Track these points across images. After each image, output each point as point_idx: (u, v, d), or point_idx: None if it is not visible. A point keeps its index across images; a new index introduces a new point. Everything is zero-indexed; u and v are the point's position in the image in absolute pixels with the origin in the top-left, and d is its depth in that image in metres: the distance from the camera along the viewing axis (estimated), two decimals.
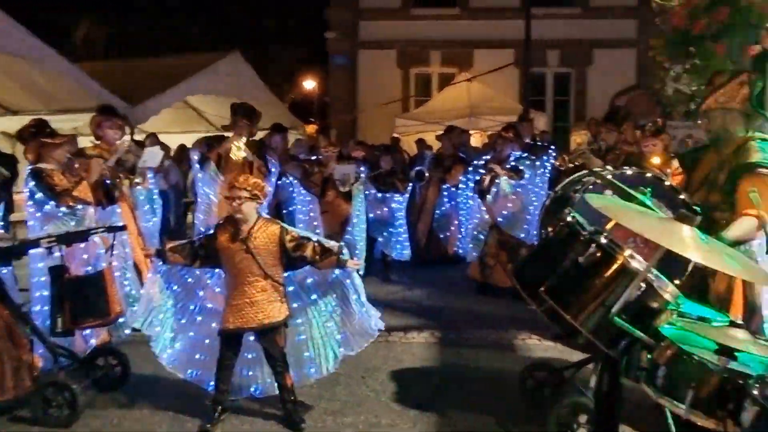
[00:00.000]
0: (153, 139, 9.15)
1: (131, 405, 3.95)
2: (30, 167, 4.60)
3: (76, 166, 4.97)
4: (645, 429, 3.50)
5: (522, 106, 12.40)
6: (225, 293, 3.75)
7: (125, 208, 5.36)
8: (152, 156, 5.47)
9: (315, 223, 6.59)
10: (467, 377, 4.50)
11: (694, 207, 3.30)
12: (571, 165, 5.31)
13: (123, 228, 4.69)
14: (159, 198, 6.03)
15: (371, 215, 7.39)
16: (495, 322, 5.77)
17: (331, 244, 3.69)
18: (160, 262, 3.76)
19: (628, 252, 1.96)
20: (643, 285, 1.89)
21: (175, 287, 3.84)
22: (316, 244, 3.66)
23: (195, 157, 6.10)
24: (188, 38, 18.39)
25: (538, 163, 6.42)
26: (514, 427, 3.67)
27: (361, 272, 6.59)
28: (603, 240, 1.98)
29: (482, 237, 6.72)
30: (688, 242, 1.75)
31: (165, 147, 9.61)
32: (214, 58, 9.91)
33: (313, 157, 7.32)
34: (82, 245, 4.45)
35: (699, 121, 3.94)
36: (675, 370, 1.80)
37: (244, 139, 5.88)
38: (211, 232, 3.76)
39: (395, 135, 13.05)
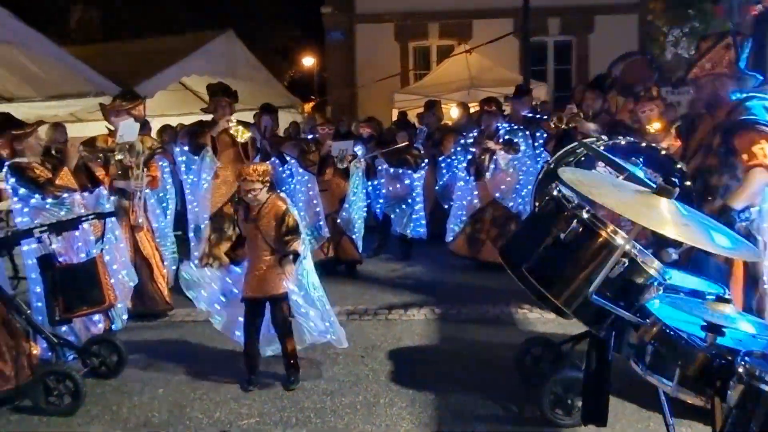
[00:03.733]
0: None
1: (129, 392, 3.96)
2: (7, 163, 4.51)
3: (54, 152, 4.89)
4: (640, 402, 3.48)
5: (522, 76, 12.19)
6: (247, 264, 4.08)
7: (135, 202, 5.30)
8: (128, 129, 5.18)
9: (314, 202, 6.54)
10: (467, 354, 4.48)
11: (689, 176, 3.23)
12: (563, 126, 5.19)
13: (113, 214, 4.65)
14: (173, 196, 5.99)
15: (384, 191, 7.44)
16: (496, 297, 5.73)
17: (295, 246, 3.89)
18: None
19: (611, 227, 1.90)
20: (626, 261, 1.83)
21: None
22: (297, 237, 3.90)
23: (177, 148, 6.03)
24: (180, 18, 18.14)
25: (530, 133, 6.37)
26: (512, 404, 3.65)
27: (360, 251, 6.66)
28: (585, 215, 1.92)
29: (466, 219, 6.70)
30: (665, 217, 1.67)
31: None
32: (207, 37, 9.75)
33: (310, 136, 7.22)
34: (77, 233, 4.42)
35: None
36: (661, 348, 1.75)
37: (234, 119, 5.81)
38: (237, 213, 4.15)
39: (396, 110, 12.91)
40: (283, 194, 4.16)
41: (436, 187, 8.44)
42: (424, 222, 7.52)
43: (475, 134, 6.90)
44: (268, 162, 7.04)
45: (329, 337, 4.13)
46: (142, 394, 3.92)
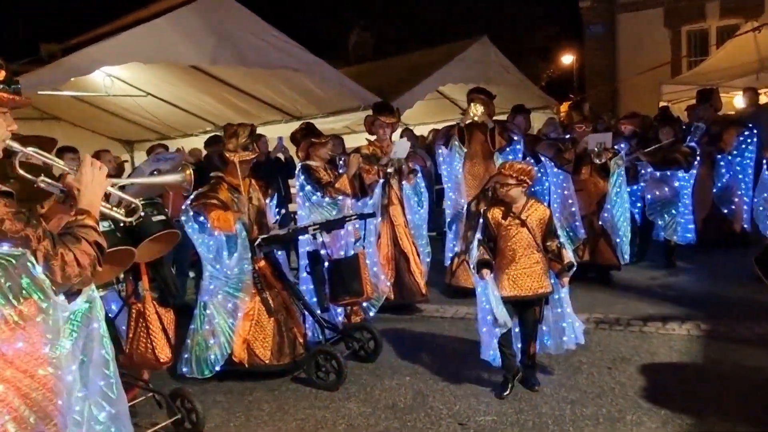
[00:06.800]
0: (408, 132, 9.78)
1: (381, 376, 4.36)
2: (301, 163, 5.37)
3: (341, 162, 5.63)
4: None
5: None
6: (499, 265, 3.98)
7: (395, 200, 5.82)
8: (401, 147, 5.74)
9: (570, 201, 6.32)
10: (737, 379, 3.90)
11: None
12: None
13: (372, 215, 5.16)
14: (425, 191, 6.44)
15: (649, 196, 6.91)
16: None
17: (569, 256, 3.94)
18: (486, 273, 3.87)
19: None
20: None
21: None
22: (558, 244, 3.94)
23: (440, 147, 6.36)
24: (441, 30, 19.16)
25: None
26: None
27: (626, 259, 6.19)
28: None
29: None
30: None
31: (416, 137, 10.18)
32: (462, 46, 10.12)
33: (566, 136, 6.99)
34: (342, 231, 5.05)
35: None
36: None
37: (479, 106, 5.92)
38: (481, 217, 4.11)
39: (663, 103, 11.75)
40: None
41: (714, 189, 7.45)
42: (692, 226, 6.75)
43: None
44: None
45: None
46: (391, 379, 4.29)
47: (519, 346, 4.07)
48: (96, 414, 2.14)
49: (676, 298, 5.71)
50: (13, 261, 1.70)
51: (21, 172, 2.10)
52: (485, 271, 3.83)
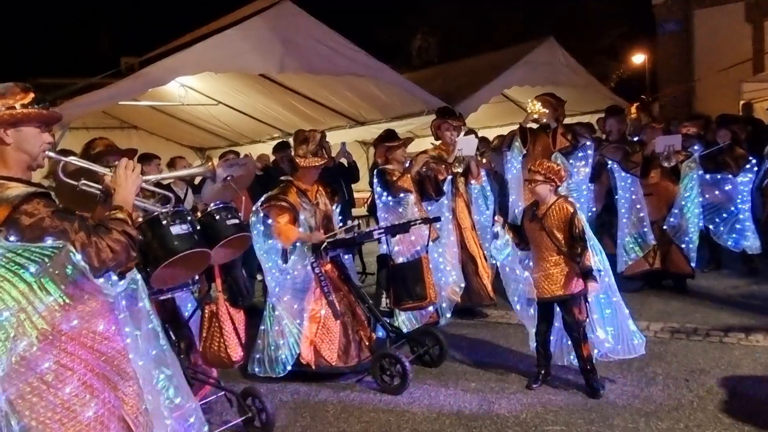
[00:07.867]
0: (472, 133, 9.67)
1: (445, 382, 4.32)
2: (377, 168, 5.44)
3: (407, 165, 5.65)
4: None
5: None
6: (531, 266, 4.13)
7: (461, 203, 5.80)
8: (467, 144, 5.66)
9: (638, 206, 6.10)
10: None
11: None
12: None
13: (438, 219, 5.13)
14: (492, 193, 6.38)
15: (700, 199, 6.52)
16: None
17: (589, 262, 3.83)
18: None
19: None
20: None
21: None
22: (582, 247, 3.82)
23: (506, 150, 6.28)
24: (507, 32, 18.88)
25: None
26: None
27: (693, 264, 5.93)
28: None
29: None
30: None
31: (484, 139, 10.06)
32: (528, 48, 9.93)
33: (635, 138, 6.76)
34: (413, 237, 5.05)
35: None
36: None
37: (538, 103, 5.82)
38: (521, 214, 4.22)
39: (743, 101, 11.13)
40: (571, 199, 4.11)
41: None
42: (750, 233, 6.27)
43: None
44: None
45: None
46: (456, 385, 4.24)
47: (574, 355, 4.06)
48: (155, 376, 2.46)
49: (760, 308, 5.38)
50: (57, 252, 1.99)
51: (64, 178, 2.37)
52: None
